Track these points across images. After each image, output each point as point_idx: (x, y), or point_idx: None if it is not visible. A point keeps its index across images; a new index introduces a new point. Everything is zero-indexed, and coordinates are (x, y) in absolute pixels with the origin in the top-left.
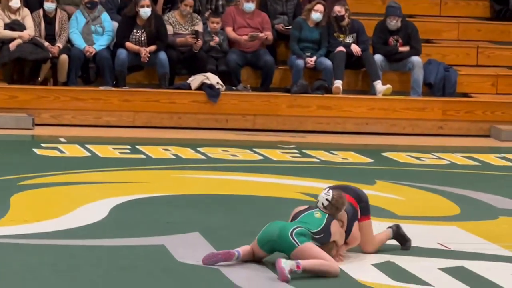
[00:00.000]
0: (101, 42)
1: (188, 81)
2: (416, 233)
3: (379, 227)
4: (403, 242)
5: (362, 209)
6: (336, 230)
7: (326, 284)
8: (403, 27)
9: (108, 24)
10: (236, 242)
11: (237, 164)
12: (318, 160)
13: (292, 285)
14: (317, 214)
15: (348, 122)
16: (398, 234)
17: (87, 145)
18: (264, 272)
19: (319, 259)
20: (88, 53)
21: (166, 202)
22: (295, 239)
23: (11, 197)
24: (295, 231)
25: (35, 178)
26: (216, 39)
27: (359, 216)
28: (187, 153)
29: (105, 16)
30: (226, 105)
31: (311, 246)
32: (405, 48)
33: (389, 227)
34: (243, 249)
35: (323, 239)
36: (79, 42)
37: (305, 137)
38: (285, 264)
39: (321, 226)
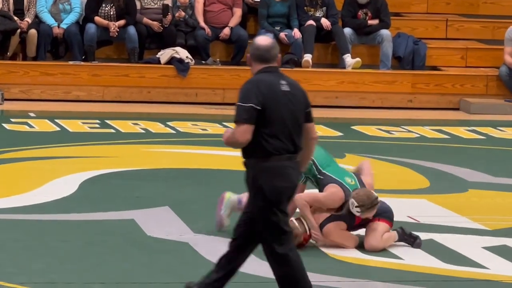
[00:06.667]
0: (67, 21)
1: (157, 56)
2: None
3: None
4: (411, 241)
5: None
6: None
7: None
8: (372, 1)
9: (76, 1)
10: (205, 216)
11: (206, 138)
12: None
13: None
14: None
15: (318, 96)
16: (404, 235)
17: (56, 120)
18: None
19: None
20: (56, 34)
21: (136, 177)
22: None
23: None
24: None
25: (4, 153)
26: (182, 13)
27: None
28: (156, 127)
29: None
30: (196, 79)
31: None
32: (374, 22)
33: (394, 230)
34: None
35: None
36: (48, 20)
37: None
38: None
39: None
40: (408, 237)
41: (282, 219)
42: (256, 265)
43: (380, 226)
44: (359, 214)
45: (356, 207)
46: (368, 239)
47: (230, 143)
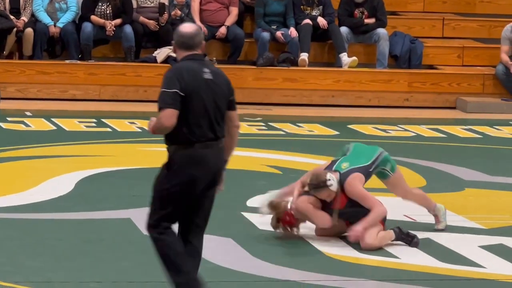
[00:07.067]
0: (64, 20)
1: (153, 54)
2: None
3: None
4: (408, 240)
5: None
6: None
7: (295, 256)
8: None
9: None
10: None
11: None
12: (284, 133)
13: (263, 260)
14: None
15: (314, 95)
16: (402, 234)
17: (53, 119)
18: (229, 244)
19: None
20: (53, 33)
21: (132, 175)
22: None
23: None
24: None
25: (0, 152)
26: (178, 12)
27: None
28: None
29: None
30: None
31: None
32: (371, 20)
33: (391, 229)
34: None
35: None
36: (45, 19)
37: (271, 110)
38: None
39: None
40: (405, 236)
41: (178, 212)
42: (258, 266)
43: (373, 228)
44: (309, 192)
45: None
46: (363, 238)
47: (157, 129)
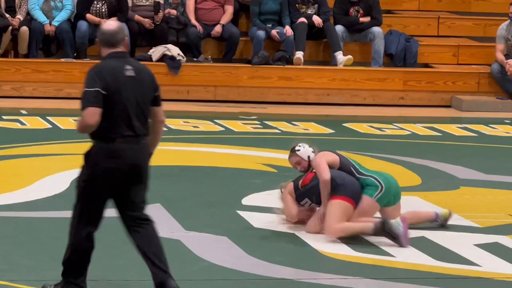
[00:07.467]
0: (59, 18)
1: (149, 53)
2: None
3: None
4: (391, 239)
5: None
6: None
7: (289, 254)
8: None
9: None
10: (196, 213)
11: (198, 136)
12: (279, 131)
13: (258, 258)
14: None
15: (309, 93)
16: (384, 229)
17: (48, 117)
18: (224, 242)
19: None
20: (48, 31)
21: None
22: None
23: None
24: None
25: None
26: (172, 11)
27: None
28: None
29: None
30: (187, 77)
31: None
32: (366, 19)
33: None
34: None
35: None
36: (40, 18)
37: (266, 108)
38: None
39: None
40: (386, 233)
41: (100, 203)
42: (253, 264)
43: (332, 207)
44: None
45: None
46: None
47: (82, 127)
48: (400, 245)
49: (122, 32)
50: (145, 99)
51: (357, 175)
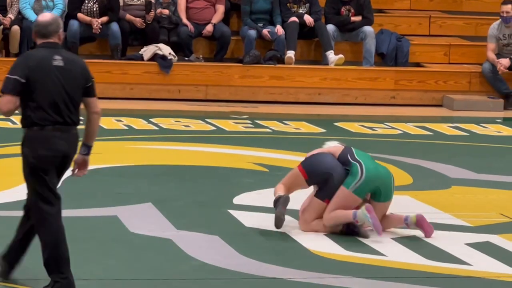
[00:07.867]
0: None
1: (140, 52)
2: None
3: None
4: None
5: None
6: None
7: (281, 253)
8: None
9: None
10: (188, 212)
11: (189, 135)
12: (270, 130)
13: (250, 257)
14: None
15: (301, 92)
16: (353, 231)
17: None
18: (216, 242)
19: None
20: None
21: (119, 173)
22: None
23: None
24: None
25: None
26: (164, 10)
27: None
28: (139, 123)
29: None
30: (179, 76)
31: None
32: (357, 18)
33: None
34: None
35: None
36: (31, 17)
37: (258, 108)
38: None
39: None
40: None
41: (47, 186)
42: (245, 263)
43: (312, 202)
44: None
45: None
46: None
47: None
48: (365, 235)
49: (55, 24)
50: (75, 89)
51: (352, 161)
